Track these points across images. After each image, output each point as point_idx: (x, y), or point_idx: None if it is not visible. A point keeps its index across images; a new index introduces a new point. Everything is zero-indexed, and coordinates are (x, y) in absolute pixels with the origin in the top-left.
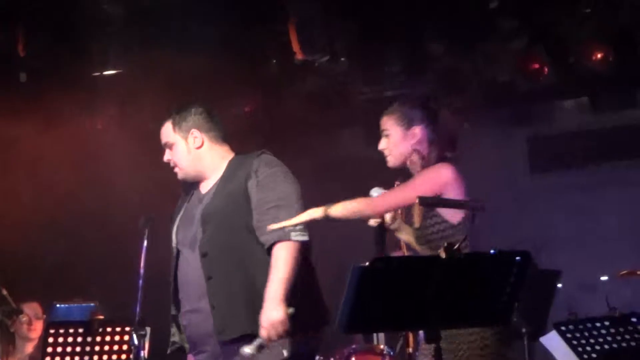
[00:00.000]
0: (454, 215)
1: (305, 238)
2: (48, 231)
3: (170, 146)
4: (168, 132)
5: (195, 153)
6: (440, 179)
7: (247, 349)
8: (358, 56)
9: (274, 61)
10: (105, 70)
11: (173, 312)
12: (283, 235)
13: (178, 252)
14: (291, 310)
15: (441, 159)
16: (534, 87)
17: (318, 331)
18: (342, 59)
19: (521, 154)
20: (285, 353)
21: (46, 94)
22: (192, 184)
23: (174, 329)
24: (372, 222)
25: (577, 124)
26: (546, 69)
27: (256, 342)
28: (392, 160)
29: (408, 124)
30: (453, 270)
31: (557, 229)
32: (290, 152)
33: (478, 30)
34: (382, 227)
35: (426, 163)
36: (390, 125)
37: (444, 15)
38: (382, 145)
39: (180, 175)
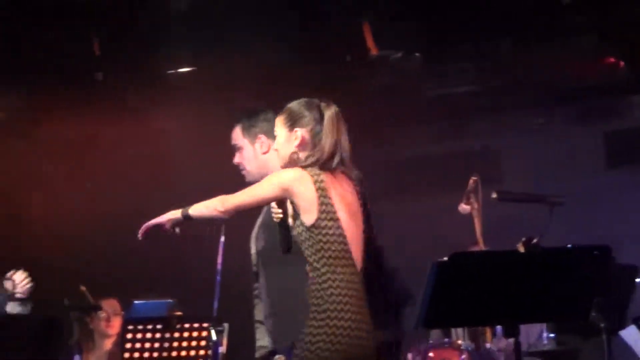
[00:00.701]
0: (308, 218)
1: None
2: (126, 228)
3: (239, 149)
4: (237, 135)
5: (261, 158)
6: (279, 181)
7: None
8: (427, 52)
9: (345, 58)
10: (179, 68)
11: (258, 317)
12: None
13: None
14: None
15: (321, 165)
16: (610, 82)
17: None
18: (417, 54)
19: (598, 148)
20: None
21: (122, 92)
22: None
23: (260, 334)
24: (275, 217)
25: None
26: (622, 63)
27: None
28: (280, 162)
29: (292, 125)
30: (531, 264)
31: (633, 224)
32: (360, 148)
33: (552, 24)
34: (284, 222)
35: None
36: (277, 127)
37: (516, 11)
38: (274, 146)
39: (247, 179)
